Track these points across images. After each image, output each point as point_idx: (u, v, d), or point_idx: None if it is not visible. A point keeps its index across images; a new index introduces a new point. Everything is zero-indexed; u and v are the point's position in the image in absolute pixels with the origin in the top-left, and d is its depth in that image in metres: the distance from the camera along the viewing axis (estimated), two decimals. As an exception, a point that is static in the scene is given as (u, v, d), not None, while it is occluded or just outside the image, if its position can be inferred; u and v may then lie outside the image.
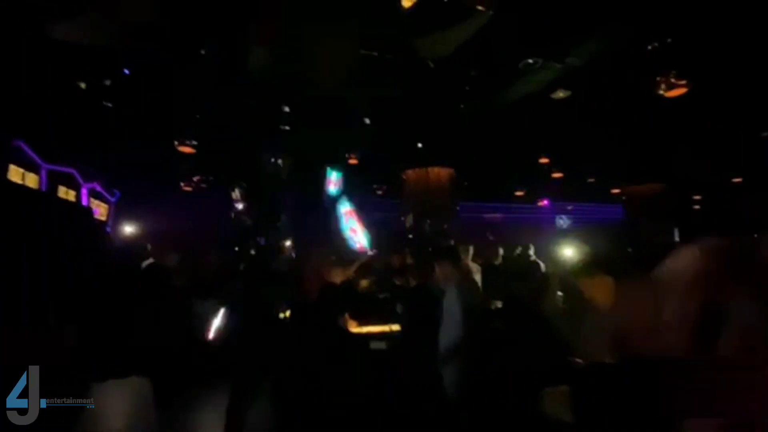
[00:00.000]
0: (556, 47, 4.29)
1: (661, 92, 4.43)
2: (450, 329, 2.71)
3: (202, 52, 4.06)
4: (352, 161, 7.89)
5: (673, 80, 4.28)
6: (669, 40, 4.17)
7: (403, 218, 8.48)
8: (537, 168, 9.19)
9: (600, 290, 2.00)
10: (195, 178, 9.94)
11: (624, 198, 12.32)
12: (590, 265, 2.15)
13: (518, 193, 12.66)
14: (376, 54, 4.14)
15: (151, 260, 5.54)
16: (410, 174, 8.36)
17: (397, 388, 2.95)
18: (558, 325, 2.62)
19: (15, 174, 5.79)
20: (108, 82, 4.58)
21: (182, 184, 10.28)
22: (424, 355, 2.84)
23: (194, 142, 6.61)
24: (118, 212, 9.81)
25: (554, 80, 4.93)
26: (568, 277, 3.38)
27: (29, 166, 6.23)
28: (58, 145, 6.10)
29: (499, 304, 3.65)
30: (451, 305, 2.74)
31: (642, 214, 10.52)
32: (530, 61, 4.41)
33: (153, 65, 4.60)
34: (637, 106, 5.90)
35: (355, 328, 4.23)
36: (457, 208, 8.88)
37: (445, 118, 5.92)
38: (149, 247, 4.39)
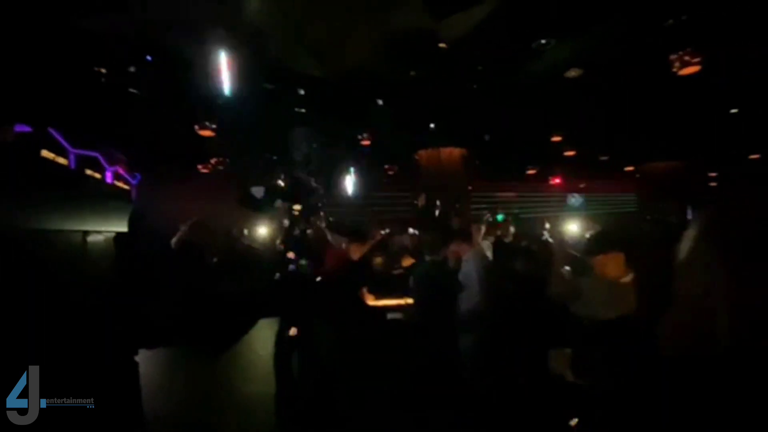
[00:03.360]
0: (571, 27, 4.30)
1: (675, 70, 4.43)
2: (471, 297, 2.96)
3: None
4: (365, 142, 8.01)
5: (687, 58, 4.27)
6: (684, 17, 4.15)
7: (415, 200, 8.59)
8: (549, 146, 9.18)
9: (612, 265, 2.17)
10: (213, 161, 10.21)
11: (638, 176, 12.20)
12: (603, 242, 2.28)
13: (530, 172, 12.65)
14: (391, 38, 4.22)
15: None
16: (423, 154, 8.43)
17: (415, 354, 3.21)
18: (564, 296, 2.82)
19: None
20: (132, 69, 4.78)
21: (199, 166, 10.58)
22: (439, 324, 3.09)
23: (213, 126, 6.83)
24: (140, 194, 10.18)
25: (568, 59, 4.94)
26: (577, 253, 3.56)
27: (59, 151, 6.54)
28: (84, 131, 6.37)
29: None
30: (469, 276, 2.97)
31: (655, 191, 10.47)
32: (543, 41, 4.43)
33: (174, 52, 4.76)
34: (652, 83, 5.86)
35: (372, 302, 4.51)
36: (470, 187, 8.96)
37: (458, 98, 5.98)
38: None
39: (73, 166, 7.05)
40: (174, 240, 3.20)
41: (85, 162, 7.54)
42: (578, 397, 1.85)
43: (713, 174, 11.89)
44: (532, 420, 2.35)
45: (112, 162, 8.82)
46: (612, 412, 1.61)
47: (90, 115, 5.95)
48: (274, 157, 9.93)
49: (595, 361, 1.87)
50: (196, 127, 6.81)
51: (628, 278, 2.29)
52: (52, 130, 5.73)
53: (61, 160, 6.70)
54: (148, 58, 4.95)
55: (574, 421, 1.79)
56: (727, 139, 8.87)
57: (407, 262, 4.37)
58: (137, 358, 2.60)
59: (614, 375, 1.72)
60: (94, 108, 5.75)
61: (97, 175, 8.22)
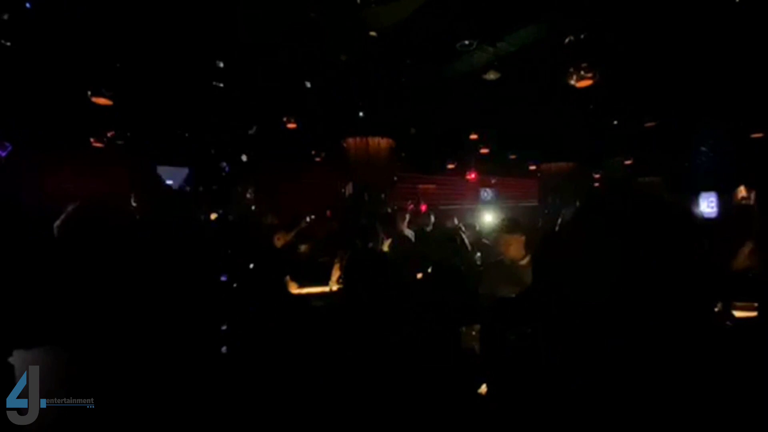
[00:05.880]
0: (491, 32, 4.65)
1: (572, 83, 5.04)
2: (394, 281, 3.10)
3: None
4: (291, 126, 7.73)
5: (582, 73, 4.89)
6: (582, 36, 4.74)
7: (343, 188, 8.57)
8: (467, 143, 9.82)
9: (514, 246, 2.47)
10: (109, 134, 8.94)
11: (538, 174, 13.74)
12: (509, 225, 2.58)
13: (450, 166, 13.42)
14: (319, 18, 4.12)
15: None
16: (351, 142, 8.40)
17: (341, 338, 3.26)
18: (475, 277, 3.12)
19: None
20: (5, 17, 3.94)
21: (92, 139, 9.19)
22: (369, 310, 3.18)
23: (111, 93, 5.97)
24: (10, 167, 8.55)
25: (489, 62, 5.32)
26: (487, 240, 3.94)
27: None
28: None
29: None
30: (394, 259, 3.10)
31: (551, 188, 11.91)
32: (466, 42, 4.72)
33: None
34: (555, 93, 6.62)
35: (295, 290, 4.44)
36: (395, 177, 9.19)
37: (386, 89, 6.07)
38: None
39: None
40: (57, 223, 2.77)
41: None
42: (486, 367, 2.08)
43: (597, 176, 13.88)
44: (448, 390, 2.57)
45: (-29, 128, 7.27)
46: (515, 376, 1.85)
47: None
48: (186, 134, 9.09)
49: (499, 334, 2.13)
50: (89, 93, 5.88)
51: (525, 261, 2.62)
52: None
53: None
54: (27, 5, 4.14)
55: (482, 388, 2.02)
56: (609, 146, 10.47)
57: (336, 251, 4.39)
58: (12, 360, 2.26)
59: (516, 344, 1.98)
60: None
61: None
